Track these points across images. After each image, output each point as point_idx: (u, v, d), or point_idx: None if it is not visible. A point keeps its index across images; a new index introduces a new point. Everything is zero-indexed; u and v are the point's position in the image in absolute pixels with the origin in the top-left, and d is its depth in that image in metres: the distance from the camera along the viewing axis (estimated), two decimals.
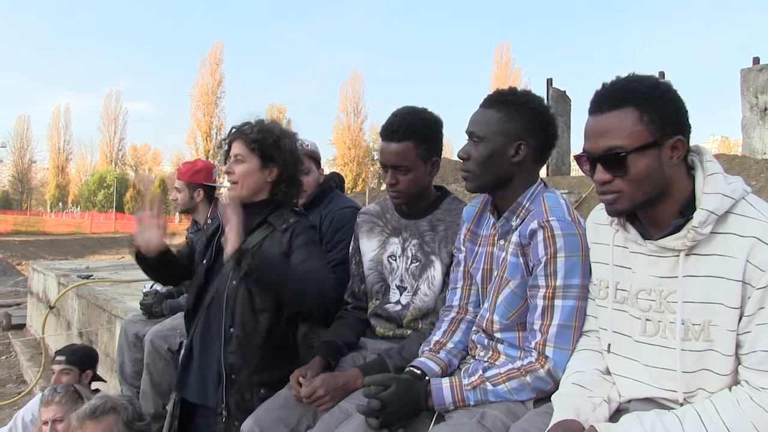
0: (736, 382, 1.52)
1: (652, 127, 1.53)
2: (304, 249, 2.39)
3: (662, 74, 15.85)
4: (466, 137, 2.02)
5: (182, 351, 2.57)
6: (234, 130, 2.52)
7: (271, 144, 2.46)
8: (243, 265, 2.11)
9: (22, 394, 6.57)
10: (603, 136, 1.56)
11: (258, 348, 2.39)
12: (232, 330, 2.40)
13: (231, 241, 2.11)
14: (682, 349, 1.56)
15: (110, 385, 4.77)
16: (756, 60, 14.48)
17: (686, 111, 1.56)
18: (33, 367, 7.40)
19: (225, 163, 2.54)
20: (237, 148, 2.47)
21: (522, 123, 1.95)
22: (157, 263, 2.49)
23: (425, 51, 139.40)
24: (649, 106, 1.53)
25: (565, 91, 17.59)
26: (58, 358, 3.75)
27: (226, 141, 2.54)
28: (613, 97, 1.57)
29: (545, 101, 2.07)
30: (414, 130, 2.32)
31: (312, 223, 2.57)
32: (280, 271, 2.22)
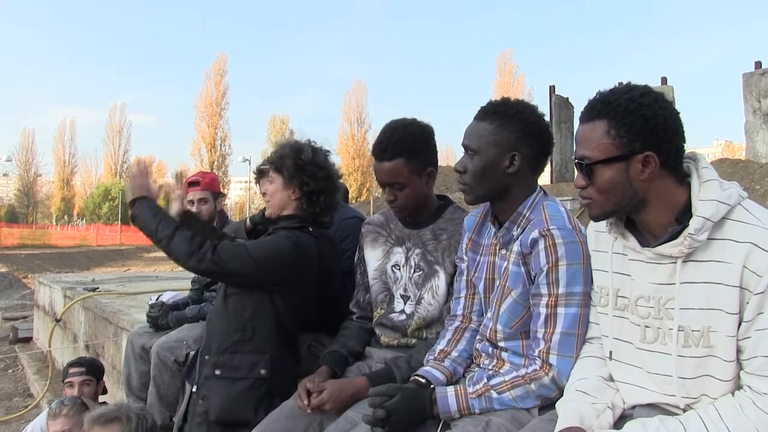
0: (739, 388, 1.53)
1: (619, 141, 1.57)
2: (259, 240, 2.66)
3: (664, 80, 15.89)
4: (462, 150, 2.04)
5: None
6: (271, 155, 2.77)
7: (290, 165, 2.62)
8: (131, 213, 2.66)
9: (29, 407, 6.57)
10: (579, 144, 1.65)
11: (220, 329, 2.59)
12: (210, 315, 2.69)
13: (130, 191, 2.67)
14: (681, 355, 1.57)
15: (117, 398, 4.78)
16: (758, 64, 14.51)
17: (670, 126, 1.57)
18: (40, 381, 7.40)
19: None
20: (271, 168, 2.71)
21: (515, 133, 1.96)
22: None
23: (428, 60, 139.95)
24: (620, 121, 1.56)
25: (567, 98, 17.63)
26: (77, 369, 3.73)
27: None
28: (592, 108, 1.63)
29: (539, 109, 2.08)
30: (403, 146, 2.33)
31: (295, 236, 2.58)
32: (146, 222, 2.58)
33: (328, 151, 2.75)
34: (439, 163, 2.51)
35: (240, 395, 2.48)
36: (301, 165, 2.61)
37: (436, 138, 2.48)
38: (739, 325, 1.49)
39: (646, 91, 1.59)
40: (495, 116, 1.98)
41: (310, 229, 2.62)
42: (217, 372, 2.52)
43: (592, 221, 1.80)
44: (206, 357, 2.59)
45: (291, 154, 2.63)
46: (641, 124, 1.55)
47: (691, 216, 1.54)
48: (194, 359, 2.83)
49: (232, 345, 2.54)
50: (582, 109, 1.67)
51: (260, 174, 3.32)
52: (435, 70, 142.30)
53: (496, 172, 1.97)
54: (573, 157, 1.68)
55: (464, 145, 2.02)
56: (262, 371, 2.50)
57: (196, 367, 2.76)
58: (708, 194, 1.55)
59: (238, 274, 2.52)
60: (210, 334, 2.65)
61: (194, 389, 2.62)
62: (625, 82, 1.66)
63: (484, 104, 2.06)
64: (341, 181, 3.14)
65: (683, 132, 1.60)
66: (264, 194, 2.74)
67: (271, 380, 2.49)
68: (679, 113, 1.60)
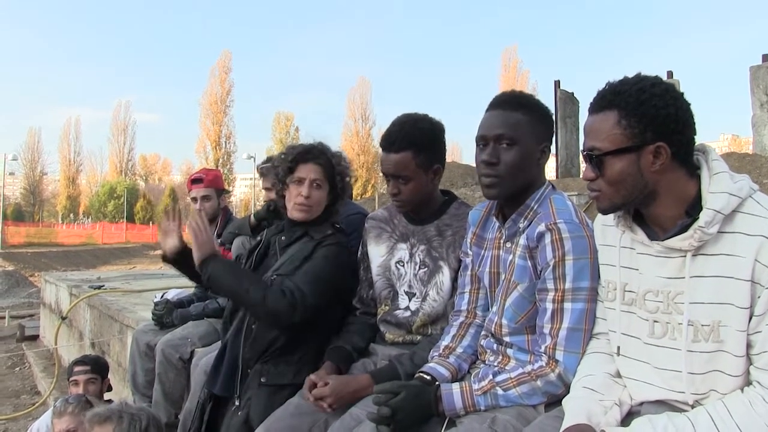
0: (748, 383, 1.51)
1: (630, 131, 1.54)
2: (311, 261, 2.48)
3: (670, 74, 15.80)
4: (483, 141, 1.94)
5: (217, 351, 2.73)
6: (304, 150, 2.58)
7: (345, 175, 2.62)
8: (203, 274, 2.42)
9: (36, 405, 6.59)
10: (588, 136, 1.62)
11: (267, 342, 2.48)
12: (253, 327, 2.53)
13: (197, 250, 2.43)
14: (690, 350, 1.55)
15: (122, 395, 4.78)
16: (765, 57, 14.38)
17: (681, 117, 1.54)
18: (46, 378, 7.42)
19: (284, 179, 2.59)
20: (316, 173, 2.54)
21: (545, 126, 1.98)
22: (185, 263, 2.60)
23: (432, 56, 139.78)
24: (630, 111, 1.54)
25: (573, 93, 17.55)
26: (81, 367, 3.72)
27: (292, 158, 2.58)
28: (602, 99, 1.60)
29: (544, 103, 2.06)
30: (411, 140, 2.32)
31: (343, 241, 2.58)
32: (229, 285, 2.43)
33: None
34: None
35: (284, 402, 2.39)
36: (347, 176, 2.64)
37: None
38: (750, 319, 1.47)
39: (656, 81, 1.57)
40: (526, 108, 1.96)
41: (337, 225, 2.63)
42: (263, 379, 2.45)
43: (599, 215, 1.78)
44: (249, 370, 2.49)
45: (345, 165, 2.64)
46: (653, 114, 1.53)
47: (701, 209, 1.52)
48: (218, 365, 2.65)
49: (280, 355, 2.47)
50: (590, 100, 1.64)
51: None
52: (439, 66, 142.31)
53: (530, 164, 1.95)
54: (582, 149, 1.65)
55: (497, 135, 1.92)
56: (305, 377, 2.41)
57: (221, 375, 2.62)
58: (718, 187, 1.52)
59: (318, 304, 2.40)
60: (253, 348, 2.50)
61: (236, 403, 2.49)
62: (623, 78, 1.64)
63: (503, 93, 2.03)
64: None
65: (694, 123, 1.58)
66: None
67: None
68: (689, 104, 1.58)
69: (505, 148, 1.92)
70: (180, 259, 2.60)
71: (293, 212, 2.56)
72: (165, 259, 2.60)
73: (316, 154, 2.57)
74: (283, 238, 2.63)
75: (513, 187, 1.95)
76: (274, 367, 2.46)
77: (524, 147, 1.93)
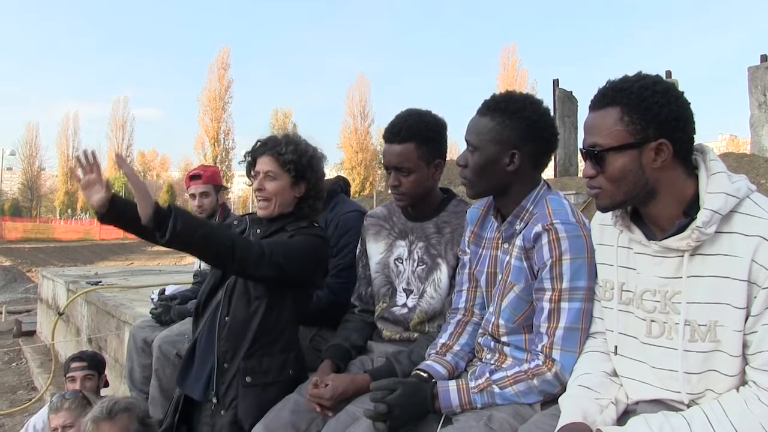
0: (744, 383, 1.51)
1: (632, 128, 1.55)
2: (287, 239, 2.39)
3: (669, 73, 15.80)
4: (465, 143, 2.00)
5: (187, 348, 2.53)
6: (259, 144, 2.51)
7: (305, 164, 2.48)
8: (168, 226, 2.04)
9: (33, 400, 6.61)
10: (588, 132, 1.62)
11: (248, 334, 2.38)
12: (227, 319, 2.41)
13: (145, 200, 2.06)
14: (687, 350, 1.55)
15: (119, 391, 4.79)
16: (763, 57, 14.40)
17: (682, 115, 1.55)
18: (43, 374, 7.44)
19: (249, 176, 2.54)
20: (268, 164, 2.45)
21: (515, 132, 1.92)
22: (122, 216, 2.27)
23: (432, 54, 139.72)
24: (633, 107, 1.54)
25: (571, 92, 17.55)
26: (78, 364, 3.71)
27: (249, 153, 2.52)
28: (604, 95, 1.60)
29: (544, 105, 2.01)
30: (415, 132, 2.32)
31: (321, 235, 2.50)
32: (198, 233, 2.14)
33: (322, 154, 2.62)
34: None
35: (274, 401, 2.33)
36: (311, 163, 2.51)
37: None
38: (746, 319, 1.47)
39: (658, 79, 1.58)
40: (496, 113, 1.94)
41: (316, 224, 2.57)
42: (248, 379, 2.35)
43: (597, 214, 1.78)
44: (225, 365, 2.38)
45: (305, 153, 2.49)
46: (656, 111, 1.53)
47: (698, 209, 1.52)
48: (189, 363, 2.49)
49: (261, 348, 2.38)
50: (591, 98, 1.64)
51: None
52: (438, 64, 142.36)
53: (495, 169, 1.94)
54: (581, 147, 1.65)
55: (466, 140, 2.00)
56: (291, 372, 2.41)
57: (191, 374, 2.47)
58: (716, 187, 1.53)
59: (285, 268, 2.30)
60: (229, 341, 2.38)
61: (212, 400, 2.37)
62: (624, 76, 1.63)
63: (487, 98, 2.02)
64: (343, 174, 3.11)
65: (694, 122, 1.58)
66: (259, 190, 2.46)
67: (299, 379, 2.41)
68: (690, 103, 1.58)
69: (470, 152, 1.97)
70: (115, 213, 2.23)
71: (257, 210, 2.48)
72: (102, 219, 2.25)
73: (270, 145, 2.47)
74: (258, 231, 2.51)
75: (482, 189, 2.01)
76: (258, 365, 2.37)
77: (485, 153, 1.94)
